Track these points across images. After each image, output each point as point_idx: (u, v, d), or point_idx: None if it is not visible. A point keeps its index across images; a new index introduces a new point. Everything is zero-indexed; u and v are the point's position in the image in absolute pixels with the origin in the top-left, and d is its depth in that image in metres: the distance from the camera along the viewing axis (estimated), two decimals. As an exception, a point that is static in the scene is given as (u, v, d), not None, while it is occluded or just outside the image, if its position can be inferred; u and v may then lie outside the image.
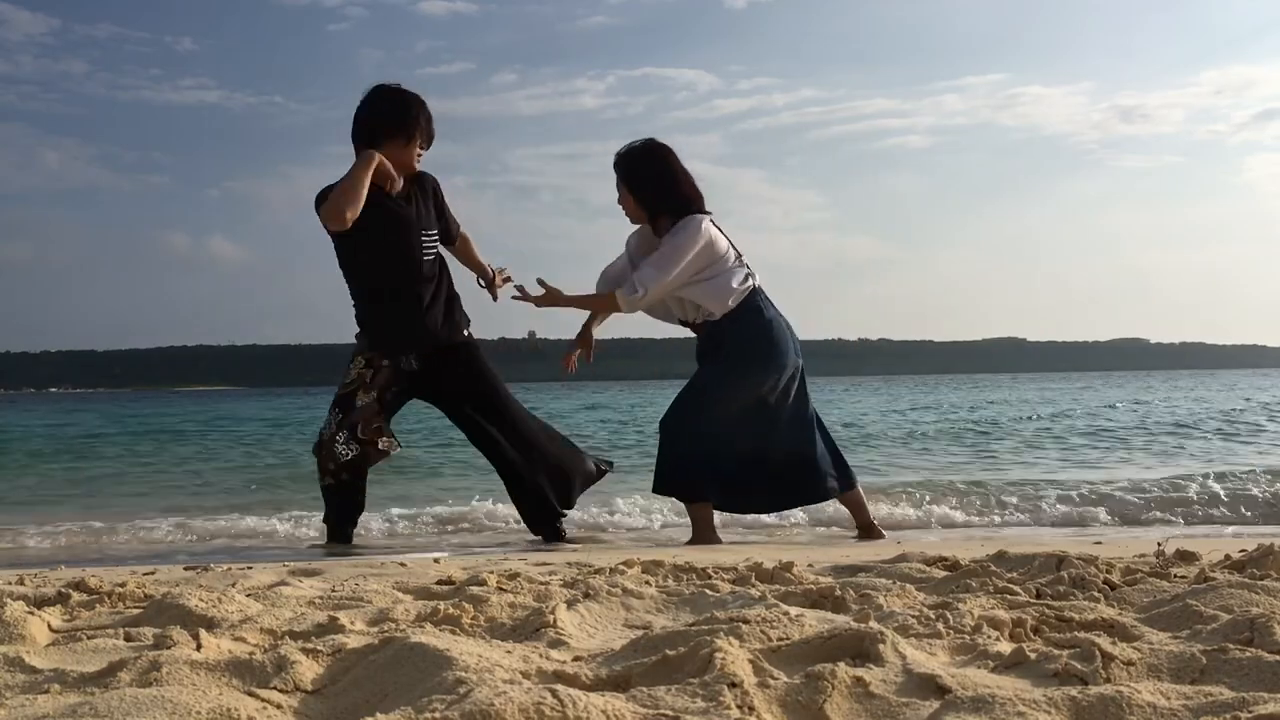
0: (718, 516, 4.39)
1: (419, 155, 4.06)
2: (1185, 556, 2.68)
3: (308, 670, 1.44)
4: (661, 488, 4.32)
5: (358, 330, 4.20)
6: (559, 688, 1.21)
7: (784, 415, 4.27)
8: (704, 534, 4.25)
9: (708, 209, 4.28)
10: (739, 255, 4.28)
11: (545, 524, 4.28)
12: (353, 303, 4.18)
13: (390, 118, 3.98)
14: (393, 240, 4.00)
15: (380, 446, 4.09)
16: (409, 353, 4.12)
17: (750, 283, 4.25)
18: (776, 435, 4.25)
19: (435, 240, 4.11)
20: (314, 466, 4.19)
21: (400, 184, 4.04)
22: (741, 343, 4.23)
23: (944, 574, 2.43)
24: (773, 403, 4.25)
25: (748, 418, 4.23)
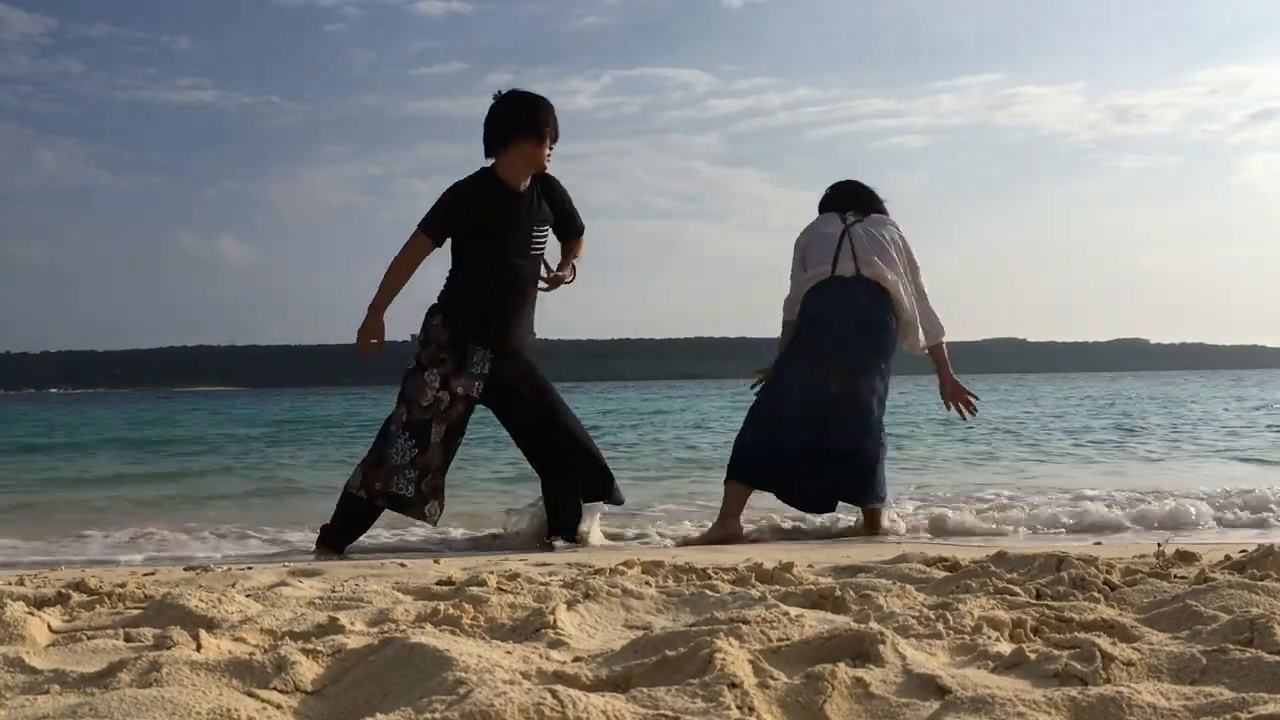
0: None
1: (548, 155, 4.14)
2: (1185, 557, 2.68)
3: (308, 670, 1.44)
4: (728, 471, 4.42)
5: (440, 316, 4.11)
6: (559, 688, 1.22)
7: (847, 408, 4.29)
8: (726, 520, 4.27)
9: (842, 211, 4.53)
10: (840, 250, 4.37)
11: (572, 526, 4.25)
12: (448, 289, 4.14)
13: (520, 119, 4.08)
14: (509, 239, 4.08)
15: (426, 511, 4.03)
16: (500, 346, 4.10)
17: (822, 276, 4.35)
18: (834, 426, 4.27)
19: (545, 235, 4.20)
20: (351, 475, 4.11)
21: (526, 182, 4.15)
22: (796, 331, 4.45)
23: (944, 574, 2.43)
24: (833, 391, 4.27)
25: (807, 401, 4.28)
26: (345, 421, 19.12)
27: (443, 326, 4.08)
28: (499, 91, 4.15)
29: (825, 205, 4.63)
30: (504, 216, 4.07)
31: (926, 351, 4.56)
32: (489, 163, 4.12)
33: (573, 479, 4.22)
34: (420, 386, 4.04)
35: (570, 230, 4.30)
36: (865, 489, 4.34)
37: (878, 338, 4.33)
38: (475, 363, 4.07)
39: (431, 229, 4.06)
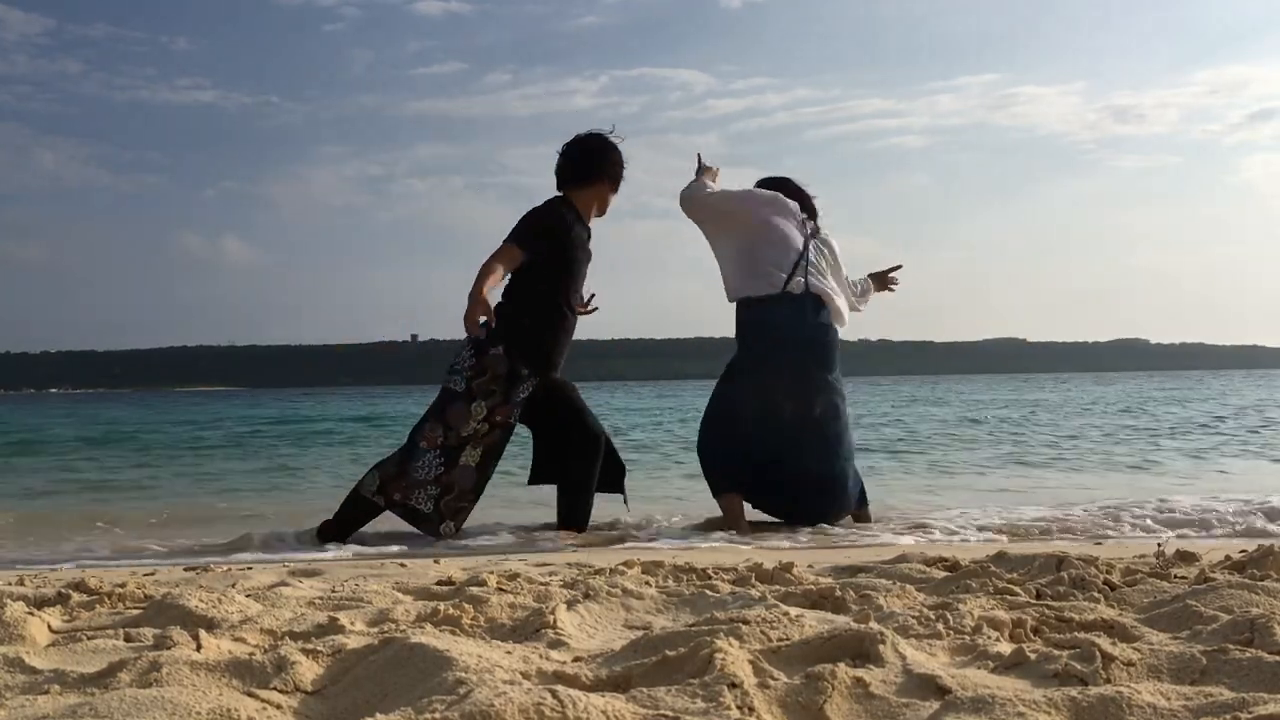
0: None
1: (611, 200, 4.34)
2: (1185, 557, 2.68)
3: (308, 671, 1.44)
4: (714, 492, 4.46)
5: (502, 346, 4.10)
6: (559, 688, 1.22)
7: (804, 429, 4.33)
8: (734, 525, 4.32)
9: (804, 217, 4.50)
10: (797, 265, 4.36)
11: (582, 520, 4.30)
12: (510, 318, 4.14)
13: (609, 164, 4.27)
14: (581, 269, 4.25)
15: (440, 529, 4.04)
16: (550, 373, 4.18)
17: (773, 290, 4.33)
18: (795, 448, 4.31)
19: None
20: (366, 475, 4.13)
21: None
22: (738, 342, 4.46)
23: (944, 574, 2.43)
24: (788, 413, 4.31)
25: (764, 421, 4.32)
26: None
27: (504, 357, 4.11)
28: (605, 133, 4.28)
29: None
30: (580, 247, 4.22)
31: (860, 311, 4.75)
32: (558, 194, 4.26)
33: (589, 478, 4.26)
34: (464, 416, 4.07)
35: None
36: (838, 506, 4.41)
37: (824, 355, 4.39)
38: (521, 390, 4.13)
39: (524, 243, 4.11)
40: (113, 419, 22.44)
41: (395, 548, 3.91)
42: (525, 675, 1.36)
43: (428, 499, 4.03)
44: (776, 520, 4.50)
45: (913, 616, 1.74)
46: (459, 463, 4.05)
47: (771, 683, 1.31)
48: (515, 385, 4.11)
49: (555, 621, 1.78)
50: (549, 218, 4.17)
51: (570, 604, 1.94)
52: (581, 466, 4.23)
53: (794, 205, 4.47)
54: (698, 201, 4.44)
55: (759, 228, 4.37)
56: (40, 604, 2.09)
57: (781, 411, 4.30)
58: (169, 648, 1.57)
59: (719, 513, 4.44)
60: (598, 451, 4.25)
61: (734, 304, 4.45)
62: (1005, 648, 1.50)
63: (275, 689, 1.38)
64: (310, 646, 1.53)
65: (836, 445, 4.38)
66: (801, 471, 4.31)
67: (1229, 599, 1.86)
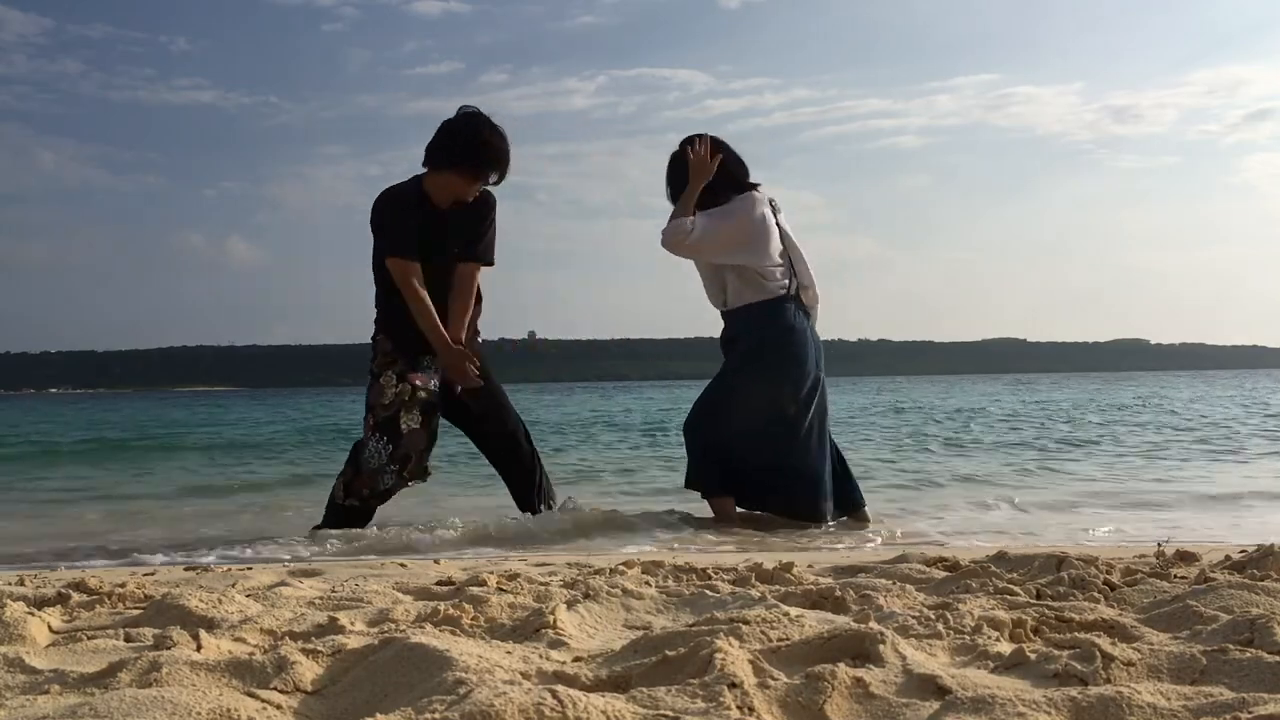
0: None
1: (478, 190, 4.09)
2: (1185, 557, 2.68)
3: (308, 671, 1.44)
4: (687, 483, 4.49)
5: (380, 334, 4.18)
6: (559, 688, 1.22)
7: (801, 429, 4.33)
8: (728, 525, 4.32)
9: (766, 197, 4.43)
10: (789, 259, 4.38)
11: (540, 498, 4.38)
12: (379, 306, 4.19)
13: (466, 154, 3.99)
14: (430, 253, 4.07)
15: (411, 484, 4.13)
16: (429, 353, 4.14)
17: (779, 293, 4.33)
18: (791, 447, 4.32)
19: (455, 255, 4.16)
20: (336, 480, 4.18)
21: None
22: (753, 345, 4.37)
23: (944, 574, 2.43)
24: (791, 414, 4.31)
25: (765, 423, 4.31)
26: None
27: (386, 339, 4.18)
28: (469, 109, 4.07)
29: (732, 184, 4.38)
30: (428, 233, 4.06)
31: None
32: (421, 170, 4.12)
33: (528, 463, 4.37)
34: (379, 390, 4.14)
35: (468, 253, 4.16)
36: (817, 505, 4.34)
37: (821, 360, 4.42)
38: (426, 363, 4.17)
39: (404, 250, 4.02)
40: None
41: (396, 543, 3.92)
42: (525, 675, 1.36)
43: (390, 476, 4.08)
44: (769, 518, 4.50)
45: (913, 616, 1.74)
46: (402, 432, 4.07)
47: (771, 683, 1.31)
48: (414, 357, 4.13)
49: (555, 621, 1.78)
50: (397, 207, 4.05)
51: (570, 604, 1.94)
52: (506, 456, 4.34)
53: (766, 197, 4.39)
54: (689, 248, 4.30)
55: (757, 246, 4.30)
56: (40, 604, 2.09)
57: (785, 414, 4.30)
58: (169, 648, 1.57)
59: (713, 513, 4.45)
60: (517, 441, 4.32)
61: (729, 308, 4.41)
62: (1005, 648, 1.50)
63: (275, 689, 1.38)
64: (310, 646, 1.53)
65: (824, 446, 4.40)
66: (797, 471, 4.31)
67: (1229, 599, 1.86)
